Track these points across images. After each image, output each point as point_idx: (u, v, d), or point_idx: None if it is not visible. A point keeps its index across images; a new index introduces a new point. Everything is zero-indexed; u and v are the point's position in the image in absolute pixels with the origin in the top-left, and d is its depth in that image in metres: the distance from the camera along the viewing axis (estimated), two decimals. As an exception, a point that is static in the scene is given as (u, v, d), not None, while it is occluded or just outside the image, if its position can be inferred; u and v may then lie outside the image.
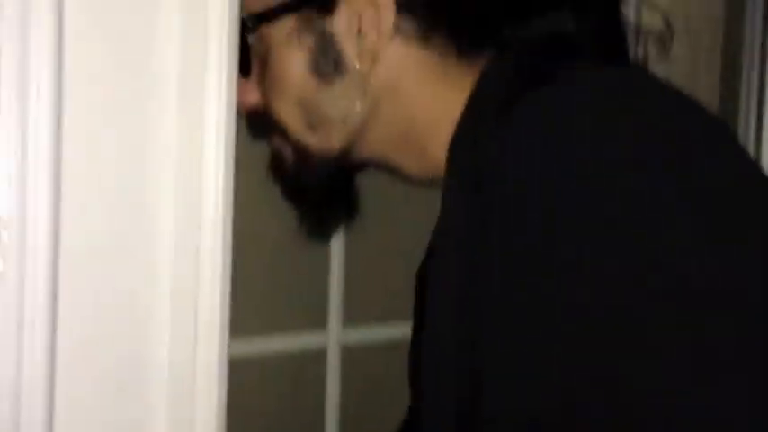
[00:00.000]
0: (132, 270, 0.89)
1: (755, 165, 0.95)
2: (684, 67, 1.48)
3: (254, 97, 1.12)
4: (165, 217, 0.90)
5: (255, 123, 1.16)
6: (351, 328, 1.41)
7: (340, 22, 1.04)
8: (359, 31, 1.03)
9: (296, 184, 1.15)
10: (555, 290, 0.83)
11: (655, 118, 0.87)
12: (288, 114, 1.09)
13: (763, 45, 1.77)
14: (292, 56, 1.06)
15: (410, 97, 1.05)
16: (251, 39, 1.09)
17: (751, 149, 1.77)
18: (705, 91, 1.51)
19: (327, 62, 1.05)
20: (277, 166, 1.15)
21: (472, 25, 1.04)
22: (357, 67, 1.04)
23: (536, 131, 0.86)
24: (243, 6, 1.07)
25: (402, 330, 1.29)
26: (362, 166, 1.16)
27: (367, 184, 1.25)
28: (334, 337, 1.40)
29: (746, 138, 1.77)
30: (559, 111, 0.87)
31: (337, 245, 1.39)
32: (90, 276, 0.87)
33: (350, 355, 1.42)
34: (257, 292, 1.32)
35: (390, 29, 1.03)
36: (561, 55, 1.00)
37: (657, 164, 0.84)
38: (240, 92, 1.06)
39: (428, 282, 1.03)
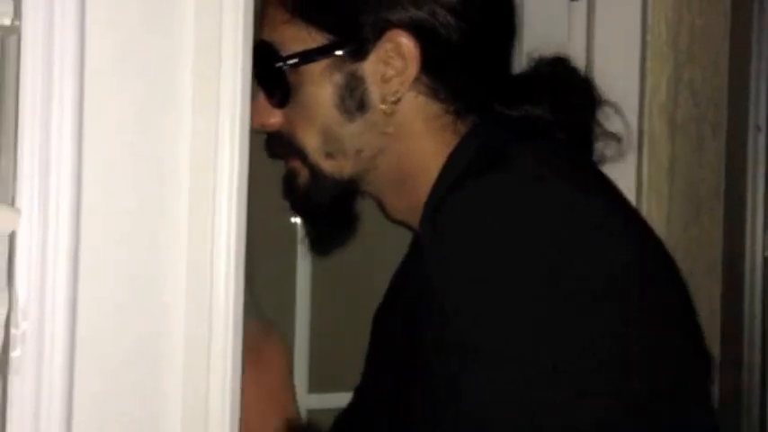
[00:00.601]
0: (144, 359, 0.92)
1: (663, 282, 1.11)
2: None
3: (276, 120, 1.23)
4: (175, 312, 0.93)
5: (274, 145, 1.27)
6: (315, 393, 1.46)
7: (370, 67, 1.18)
8: (384, 76, 1.17)
9: (306, 202, 1.27)
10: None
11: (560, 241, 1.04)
12: (310, 141, 1.21)
13: None
14: (323, 91, 1.19)
15: (414, 141, 1.19)
16: (289, 74, 1.20)
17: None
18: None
19: (353, 100, 1.18)
20: (289, 185, 1.27)
21: (472, 93, 1.20)
22: (379, 107, 1.18)
23: (455, 229, 1.06)
24: (265, 35, 1.20)
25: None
26: (362, 194, 1.28)
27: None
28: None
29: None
30: (474, 212, 1.06)
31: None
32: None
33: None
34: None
35: (412, 79, 1.17)
36: (528, 135, 1.18)
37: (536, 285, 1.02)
38: (264, 113, 1.22)
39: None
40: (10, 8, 0.84)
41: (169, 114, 0.91)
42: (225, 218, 0.93)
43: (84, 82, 0.85)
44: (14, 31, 0.84)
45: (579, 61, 1.55)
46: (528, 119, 1.20)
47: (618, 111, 1.27)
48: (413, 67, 1.16)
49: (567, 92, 1.23)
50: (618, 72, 1.58)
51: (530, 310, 1.02)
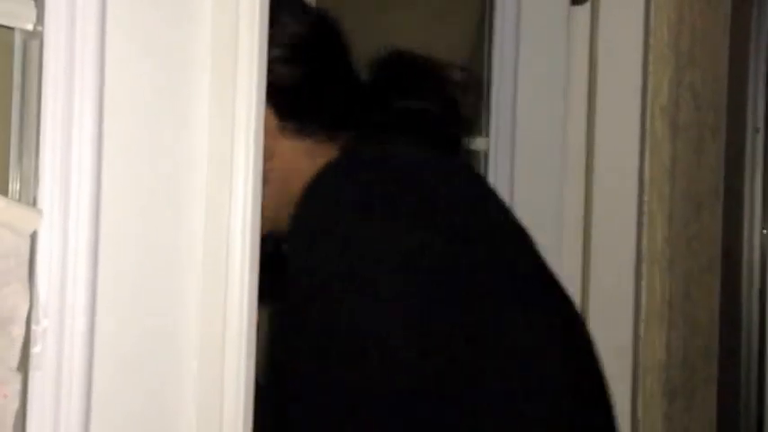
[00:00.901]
0: (161, 371, 0.93)
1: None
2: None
3: None
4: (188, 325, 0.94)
5: None
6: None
7: None
8: None
9: None
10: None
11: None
12: None
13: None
14: None
15: (303, 177, 1.28)
16: None
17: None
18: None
19: None
20: None
21: (335, 119, 1.34)
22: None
23: (303, 209, 1.22)
24: None
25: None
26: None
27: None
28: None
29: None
30: (318, 195, 1.22)
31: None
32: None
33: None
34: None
35: (276, 131, 1.29)
36: (395, 130, 1.33)
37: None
38: None
39: None
40: (32, 13, 0.86)
41: (188, 115, 0.93)
42: (240, 213, 0.94)
43: (105, 86, 0.87)
44: (37, 35, 0.86)
45: (582, 64, 1.57)
46: (398, 113, 1.34)
47: (465, 68, 1.41)
48: (270, 123, 1.26)
49: (413, 74, 1.37)
50: (621, 74, 1.60)
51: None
